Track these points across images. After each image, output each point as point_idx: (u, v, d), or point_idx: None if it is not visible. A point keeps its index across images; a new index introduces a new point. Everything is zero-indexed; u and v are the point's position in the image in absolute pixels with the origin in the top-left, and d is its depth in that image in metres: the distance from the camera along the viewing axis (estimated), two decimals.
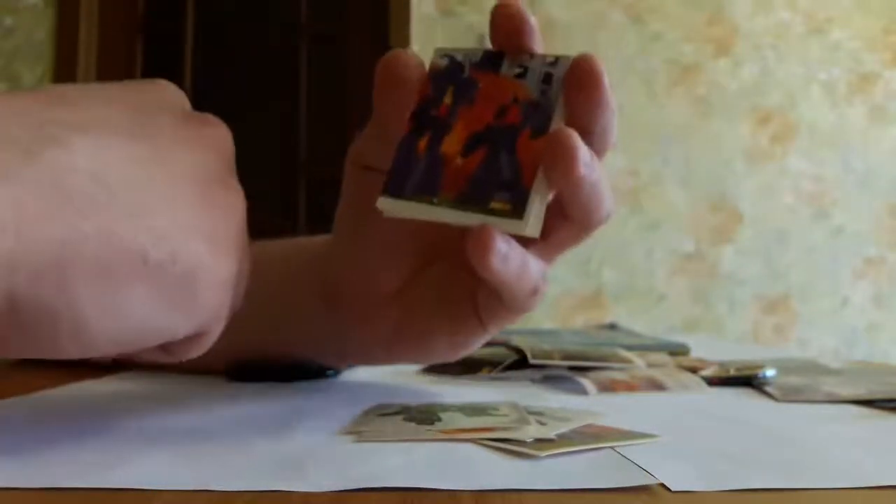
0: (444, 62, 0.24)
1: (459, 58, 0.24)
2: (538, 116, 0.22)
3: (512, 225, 0.21)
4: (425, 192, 0.22)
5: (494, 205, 0.21)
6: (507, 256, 0.21)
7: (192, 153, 0.20)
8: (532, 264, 0.23)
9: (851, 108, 1.99)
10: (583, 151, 0.21)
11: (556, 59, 0.23)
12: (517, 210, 0.21)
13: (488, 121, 0.22)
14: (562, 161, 0.21)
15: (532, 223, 0.21)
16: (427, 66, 0.24)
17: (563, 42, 1.91)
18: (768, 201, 1.97)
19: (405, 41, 1.91)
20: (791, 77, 1.99)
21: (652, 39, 1.97)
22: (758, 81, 1.98)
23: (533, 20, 0.23)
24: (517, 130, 0.22)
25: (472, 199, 0.21)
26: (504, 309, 0.25)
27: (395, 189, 0.22)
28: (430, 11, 1.93)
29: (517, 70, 0.23)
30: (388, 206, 0.22)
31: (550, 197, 0.22)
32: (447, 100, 0.23)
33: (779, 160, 1.98)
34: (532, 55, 0.23)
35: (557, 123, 0.22)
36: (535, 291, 0.23)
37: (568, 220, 0.24)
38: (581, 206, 0.23)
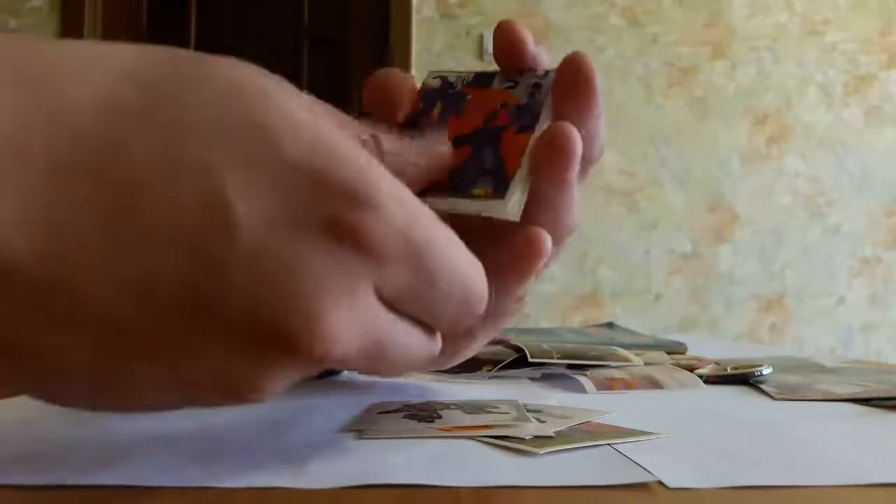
0: (435, 82, 0.24)
1: (451, 78, 0.24)
2: (525, 116, 0.22)
3: (494, 207, 0.21)
4: None
5: (476, 191, 0.22)
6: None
7: None
8: None
9: (847, 109, 2.00)
10: (579, 145, 0.21)
11: (546, 72, 0.23)
12: (499, 193, 0.21)
13: (477, 125, 0.23)
14: (559, 152, 0.21)
15: (513, 205, 0.21)
16: (418, 84, 0.25)
17: (561, 45, 1.91)
18: (765, 202, 1.98)
19: (406, 43, 1.92)
20: (787, 79, 2.00)
21: (650, 42, 1.97)
22: (754, 83, 1.99)
23: (533, 48, 0.23)
24: (503, 129, 0.22)
25: (455, 188, 0.22)
26: (489, 318, 0.25)
27: None
28: (431, 14, 1.94)
29: (507, 84, 0.23)
30: None
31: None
32: (436, 112, 0.23)
33: (775, 161, 1.98)
34: (523, 71, 0.23)
35: (545, 121, 0.22)
36: (521, 298, 0.24)
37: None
38: (558, 207, 0.23)
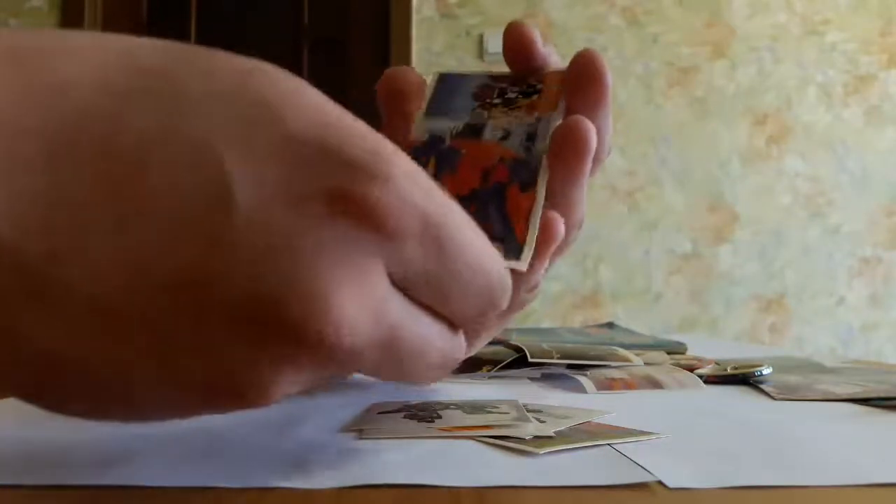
0: (424, 136, 0.24)
1: (440, 132, 0.24)
2: (525, 172, 0.22)
3: (510, 264, 0.21)
4: None
5: None
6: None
7: None
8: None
9: (847, 109, 2.00)
10: (594, 140, 0.22)
11: (538, 119, 0.23)
12: (511, 254, 0.21)
13: (473, 185, 0.22)
14: (574, 147, 0.22)
15: (527, 261, 0.21)
16: (424, 78, 0.25)
17: (562, 45, 1.91)
18: (765, 202, 1.98)
19: (406, 43, 1.92)
20: (787, 79, 2.00)
21: (650, 42, 1.97)
22: (754, 83, 1.99)
23: (542, 48, 0.24)
24: (505, 186, 0.22)
25: None
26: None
27: None
28: (431, 14, 1.94)
29: (500, 134, 0.23)
30: None
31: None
32: (430, 170, 0.23)
33: (775, 161, 1.98)
34: (513, 115, 0.24)
35: (544, 176, 0.22)
36: (535, 287, 0.24)
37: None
38: (569, 202, 0.23)
